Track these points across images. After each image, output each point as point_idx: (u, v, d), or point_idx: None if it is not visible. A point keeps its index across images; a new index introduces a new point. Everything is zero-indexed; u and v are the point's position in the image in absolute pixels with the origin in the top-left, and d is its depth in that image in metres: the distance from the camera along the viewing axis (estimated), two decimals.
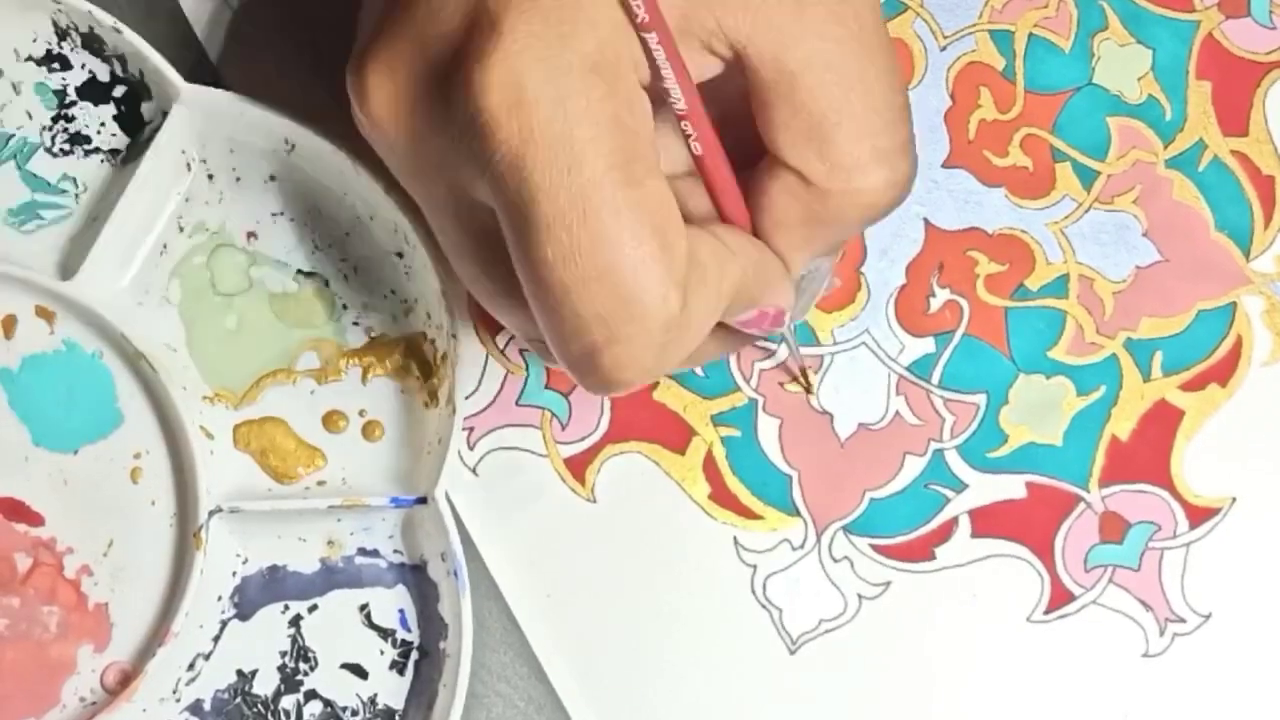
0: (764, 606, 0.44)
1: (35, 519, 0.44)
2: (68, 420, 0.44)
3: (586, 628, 0.44)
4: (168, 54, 0.43)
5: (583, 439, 0.45)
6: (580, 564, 0.44)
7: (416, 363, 0.44)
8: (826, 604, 0.44)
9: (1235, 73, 0.46)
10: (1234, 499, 0.44)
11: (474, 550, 0.44)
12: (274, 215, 0.45)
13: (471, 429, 0.45)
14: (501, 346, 0.45)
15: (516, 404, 0.45)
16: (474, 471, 0.45)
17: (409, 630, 0.44)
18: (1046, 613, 0.44)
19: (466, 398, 0.45)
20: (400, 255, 0.44)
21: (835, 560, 0.44)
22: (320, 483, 0.44)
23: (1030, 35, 0.46)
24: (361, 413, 0.45)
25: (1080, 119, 0.46)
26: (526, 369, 0.45)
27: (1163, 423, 0.45)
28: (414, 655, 0.44)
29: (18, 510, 0.44)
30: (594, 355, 0.34)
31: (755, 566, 0.44)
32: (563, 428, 0.45)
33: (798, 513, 0.44)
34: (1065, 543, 0.44)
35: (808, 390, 0.45)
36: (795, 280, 0.38)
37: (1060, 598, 0.44)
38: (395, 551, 0.44)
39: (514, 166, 0.33)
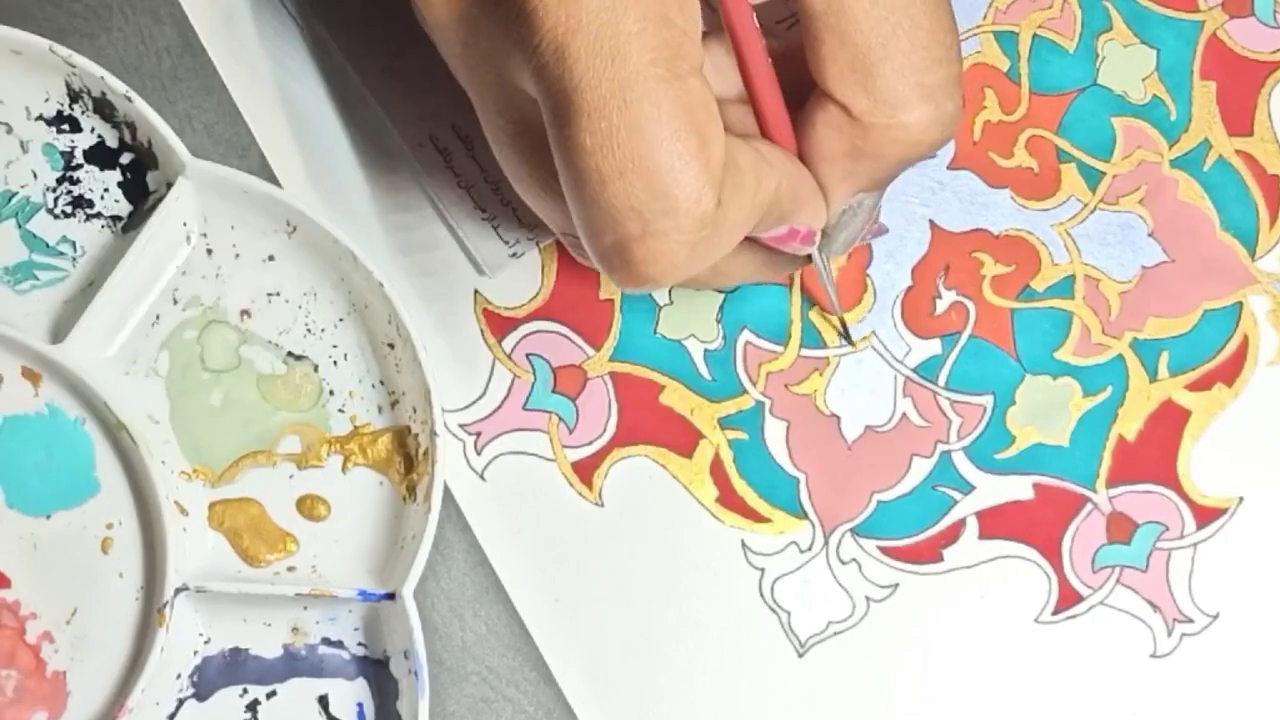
0: (772, 609, 0.44)
1: (1, 581, 0.44)
2: (43, 484, 0.44)
3: (595, 632, 0.44)
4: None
5: (590, 443, 0.45)
6: (588, 568, 0.44)
7: (399, 456, 0.44)
8: (835, 606, 0.44)
9: (1239, 72, 0.46)
10: (1241, 499, 0.44)
11: (482, 555, 0.44)
12: (269, 295, 0.45)
13: (479, 434, 0.45)
14: (509, 351, 0.45)
15: (524, 408, 0.45)
16: (481, 476, 0.45)
17: None
18: (1054, 614, 0.44)
19: (472, 404, 0.45)
20: (392, 347, 0.44)
21: (843, 562, 0.44)
22: (290, 568, 0.44)
23: (1035, 36, 0.46)
24: (338, 502, 0.44)
25: (1085, 119, 0.46)
26: (533, 373, 0.45)
27: (1169, 423, 0.45)
28: None
29: None
30: (627, 248, 0.34)
31: (763, 569, 0.44)
32: (570, 432, 0.45)
33: (805, 515, 0.44)
34: (1073, 543, 0.44)
35: (845, 336, 0.45)
36: (836, 213, 0.38)
37: (1068, 598, 0.44)
38: (359, 644, 0.44)
39: (558, 54, 0.33)
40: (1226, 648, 0.43)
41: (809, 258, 0.41)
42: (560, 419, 0.45)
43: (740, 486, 0.45)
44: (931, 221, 0.46)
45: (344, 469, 0.44)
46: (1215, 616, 0.44)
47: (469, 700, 0.44)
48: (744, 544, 0.44)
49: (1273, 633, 0.44)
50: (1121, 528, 0.44)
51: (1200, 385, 0.45)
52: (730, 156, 0.34)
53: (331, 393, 0.45)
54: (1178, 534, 0.44)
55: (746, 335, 0.45)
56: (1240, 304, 0.45)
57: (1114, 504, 0.44)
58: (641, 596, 0.44)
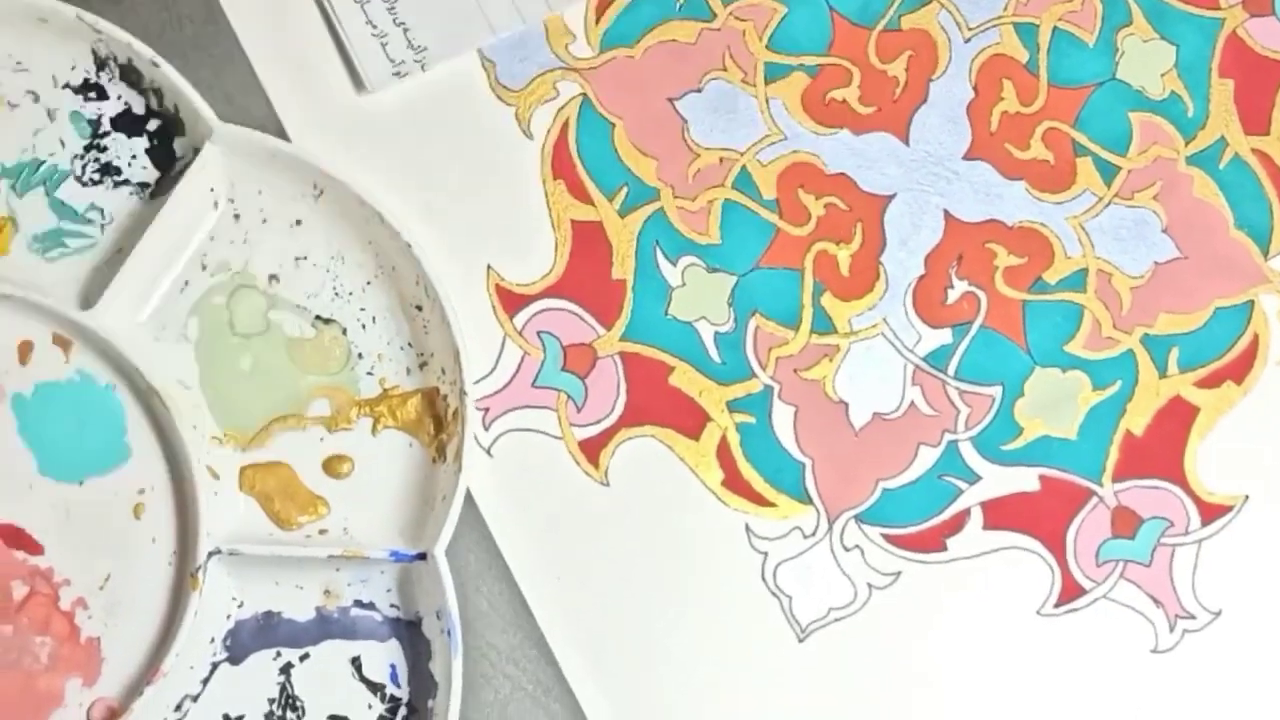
0: (774, 594, 0.44)
1: (35, 548, 0.43)
2: (75, 451, 0.44)
3: (596, 611, 0.44)
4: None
5: (598, 422, 0.45)
6: (592, 547, 0.44)
7: (428, 417, 0.44)
8: (837, 592, 0.44)
9: (1258, 71, 0.46)
10: (1247, 496, 0.44)
11: (486, 531, 0.44)
12: (297, 259, 0.45)
13: (487, 409, 0.45)
14: (519, 327, 0.45)
15: (533, 385, 0.45)
16: (488, 452, 0.45)
17: (399, 686, 0.44)
18: (1056, 606, 0.44)
19: (481, 379, 0.45)
20: (420, 309, 0.44)
21: (846, 549, 0.44)
22: (322, 531, 0.44)
23: (1054, 29, 0.46)
24: (368, 464, 0.44)
25: (1102, 114, 0.46)
26: (544, 350, 0.45)
27: (1177, 419, 0.45)
28: (402, 712, 0.43)
29: (18, 538, 0.43)
30: None
31: (766, 553, 0.44)
32: (578, 410, 0.45)
33: (810, 501, 0.44)
34: (1077, 536, 0.44)
35: None
36: None
37: (1071, 591, 0.44)
38: (391, 606, 0.44)
39: None
40: (1228, 645, 0.43)
41: None
42: (569, 397, 0.45)
43: (746, 470, 0.45)
44: (946, 211, 0.46)
45: (374, 431, 0.44)
46: (1218, 613, 0.44)
47: (466, 676, 0.44)
48: (748, 527, 0.44)
49: (1275, 631, 0.44)
50: (1126, 522, 0.44)
51: (1210, 382, 0.45)
52: None
53: (360, 355, 0.45)
54: (1182, 530, 0.44)
55: (758, 319, 0.45)
56: (1252, 302, 0.45)
57: (1119, 498, 0.44)
58: (644, 577, 0.44)
